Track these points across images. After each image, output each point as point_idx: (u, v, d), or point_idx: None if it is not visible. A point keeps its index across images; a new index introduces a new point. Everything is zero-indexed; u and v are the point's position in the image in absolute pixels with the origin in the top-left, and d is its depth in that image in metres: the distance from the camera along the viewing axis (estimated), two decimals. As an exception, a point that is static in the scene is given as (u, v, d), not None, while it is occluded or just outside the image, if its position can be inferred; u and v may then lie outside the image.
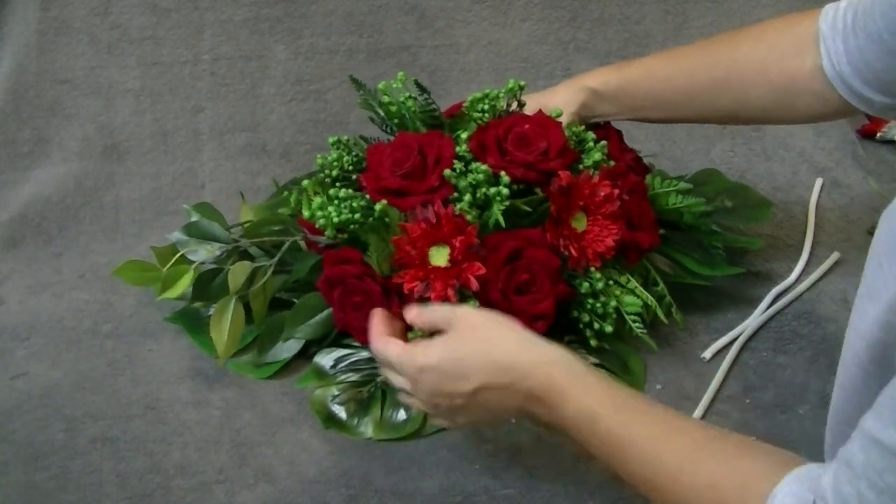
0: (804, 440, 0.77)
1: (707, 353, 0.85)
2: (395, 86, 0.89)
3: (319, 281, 0.81)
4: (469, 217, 0.77)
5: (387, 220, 0.79)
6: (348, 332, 0.81)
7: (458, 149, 0.82)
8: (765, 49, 0.80)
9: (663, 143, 1.14)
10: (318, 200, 0.80)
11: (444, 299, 0.75)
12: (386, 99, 0.89)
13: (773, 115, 0.84)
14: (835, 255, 0.96)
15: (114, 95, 1.09)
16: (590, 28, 1.19)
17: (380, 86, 0.90)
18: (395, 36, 1.15)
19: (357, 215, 0.78)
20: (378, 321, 0.70)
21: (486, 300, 0.77)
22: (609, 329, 0.81)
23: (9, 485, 0.73)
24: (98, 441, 0.77)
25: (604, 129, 0.92)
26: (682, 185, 0.91)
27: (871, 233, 0.99)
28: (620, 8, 1.19)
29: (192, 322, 0.87)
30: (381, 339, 0.68)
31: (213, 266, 0.85)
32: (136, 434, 0.78)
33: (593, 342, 0.82)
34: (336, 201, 0.79)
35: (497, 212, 0.77)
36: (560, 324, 0.81)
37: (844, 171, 1.11)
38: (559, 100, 0.88)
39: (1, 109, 1.07)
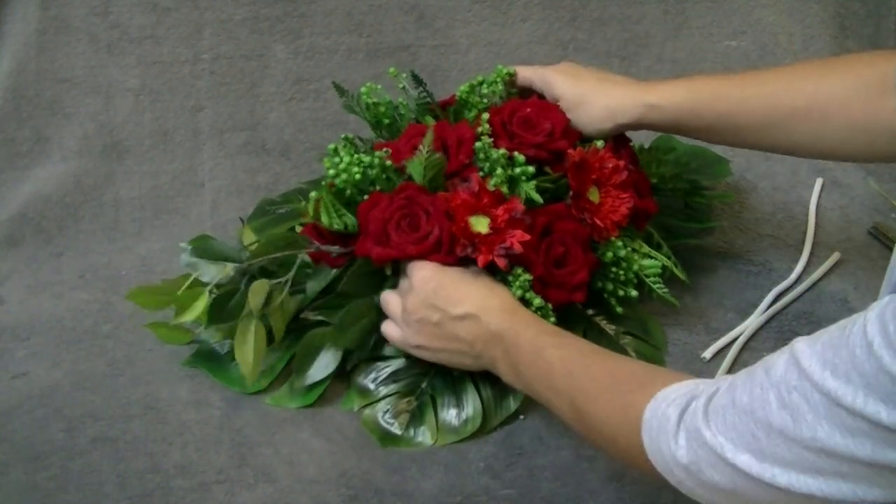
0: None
1: (707, 353, 0.85)
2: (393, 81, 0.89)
3: (361, 247, 0.79)
4: (503, 190, 0.79)
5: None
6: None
7: (479, 129, 0.83)
8: (851, 82, 0.76)
9: (663, 142, 1.14)
10: (346, 158, 0.81)
11: (491, 265, 0.76)
12: (370, 100, 0.89)
13: (849, 151, 0.79)
14: (835, 256, 0.97)
15: (113, 94, 1.09)
16: (590, 28, 1.19)
17: (362, 89, 0.89)
18: (395, 35, 1.15)
19: (389, 163, 0.81)
20: None
21: (535, 275, 0.78)
22: (634, 293, 0.84)
23: (9, 485, 0.73)
24: (98, 441, 0.77)
25: None
26: (665, 147, 0.97)
27: (871, 233, 1.00)
28: (620, 8, 1.19)
29: (210, 361, 0.84)
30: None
31: (228, 287, 0.81)
32: (136, 434, 0.78)
33: (619, 310, 0.84)
34: (361, 163, 0.80)
35: (530, 189, 0.80)
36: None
37: (844, 171, 1.11)
38: (614, 104, 0.85)
39: (1, 108, 1.06)
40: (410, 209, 0.78)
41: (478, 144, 0.81)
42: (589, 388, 0.64)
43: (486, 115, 0.84)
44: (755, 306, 0.91)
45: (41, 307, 0.92)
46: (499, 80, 0.91)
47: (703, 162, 1.02)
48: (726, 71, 1.19)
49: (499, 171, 0.79)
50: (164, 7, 1.10)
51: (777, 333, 0.88)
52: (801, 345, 0.48)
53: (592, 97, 0.86)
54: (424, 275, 0.76)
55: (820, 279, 0.95)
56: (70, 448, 0.76)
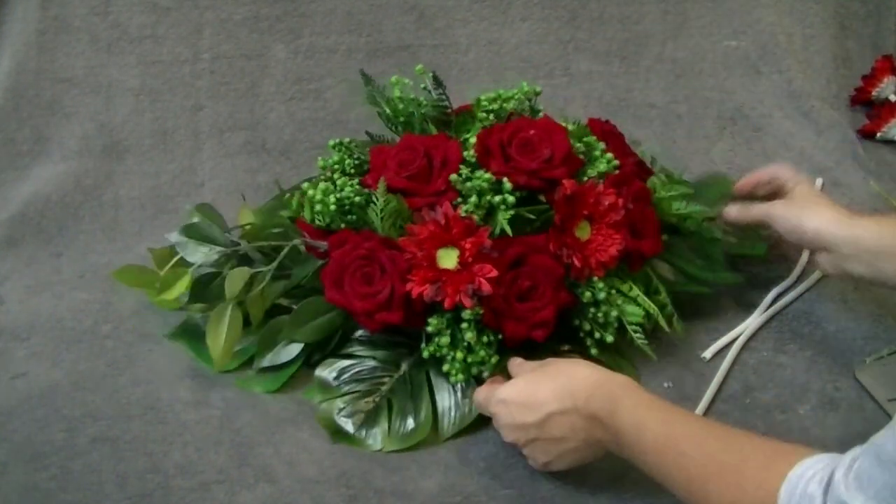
0: (804, 440, 0.77)
1: (707, 353, 0.85)
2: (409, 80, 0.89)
3: (324, 275, 0.79)
4: (476, 218, 0.77)
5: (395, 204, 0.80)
6: (360, 322, 0.80)
7: (465, 153, 0.82)
8: None
9: (664, 142, 1.14)
10: (322, 186, 0.81)
11: (459, 304, 0.75)
12: (397, 94, 0.89)
13: None
14: (835, 255, 0.96)
15: (113, 94, 1.09)
16: (589, 28, 1.19)
17: (392, 79, 0.90)
18: (395, 35, 1.15)
19: (358, 198, 0.81)
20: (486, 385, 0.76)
21: (489, 305, 0.77)
22: (610, 339, 0.80)
23: (9, 485, 0.73)
24: (98, 441, 0.77)
25: (606, 129, 0.92)
26: (684, 189, 0.90)
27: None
28: (620, 8, 1.19)
29: (193, 337, 0.85)
30: (480, 390, 0.76)
31: (212, 270, 0.83)
32: (136, 434, 0.78)
33: (594, 351, 0.81)
34: (338, 192, 0.80)
35: (503, 220, 0.77)
36: (560, 332, 0.81)
37: (844, 171, 1.11)
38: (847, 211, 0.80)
39: (1, 108, 1.06)
40: (368, 262, 0.78)
41: (452, 177, 0.80)
42: (705, 468, 0.60)
43: (472, 140, 0.82)
44: (755, 306, 0.91)
45: (41, 307, 0.92)
46: (519, 95, 0.88)
47: (707, 182, 0.98)
48: (726, 70, 1.19)
49: (473, 198, 0.78)
50: (164, 7, 1.10)
51: (777, 333, 0.88)
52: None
53: (830, 202, 0.82)
54: (501, 400, 0.71)
55: (820, 279, 0.94)
56: (70, 448, 0.76)
